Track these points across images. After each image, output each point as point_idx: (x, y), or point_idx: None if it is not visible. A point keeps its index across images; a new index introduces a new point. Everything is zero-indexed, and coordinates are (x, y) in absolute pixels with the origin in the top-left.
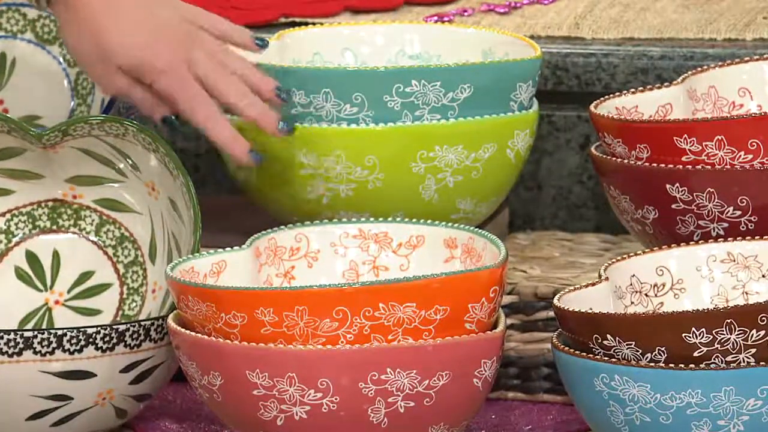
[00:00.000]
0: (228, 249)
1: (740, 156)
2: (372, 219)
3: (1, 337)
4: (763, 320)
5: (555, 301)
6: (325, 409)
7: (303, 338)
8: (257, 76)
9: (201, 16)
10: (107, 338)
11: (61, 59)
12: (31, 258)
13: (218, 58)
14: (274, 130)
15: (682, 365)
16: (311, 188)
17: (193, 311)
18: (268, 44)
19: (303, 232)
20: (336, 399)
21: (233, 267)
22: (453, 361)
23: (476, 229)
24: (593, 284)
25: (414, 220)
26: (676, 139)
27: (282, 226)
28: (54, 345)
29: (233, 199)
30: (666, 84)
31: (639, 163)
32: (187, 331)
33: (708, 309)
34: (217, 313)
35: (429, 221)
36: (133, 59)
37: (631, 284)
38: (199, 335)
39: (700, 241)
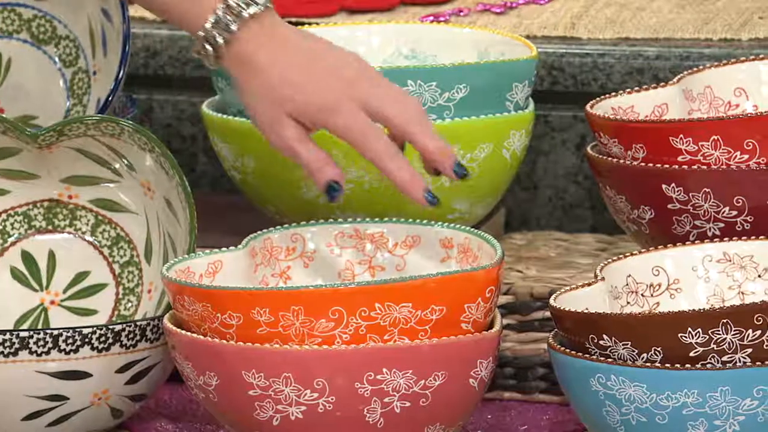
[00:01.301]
0: (224, 249)
1: (736, 156)
2: (368, 219)
3: None
4: (759, 320)
5: (551, 301)
6: (321, 409)
7: (299, 338)
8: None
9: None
10: (103, 338)
11: (57, 59)
12: (27, 258)
13: (391, 95)
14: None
15: (678, 365)
16: (307, 188)
17: (189, 311)
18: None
19: (299, 232)
20: (332, 399)
21: (229, 267)
22: (449, 362)
23: (472, 229)
24: (589, 284)
25: (410, 220)
26: (672, 139)
27: (278, 226)
28: (50, 345)
29: (229, 199)
30: (662, 84)
31: (635, 163)
32: (183, 332)
33: (704, 309)
34: (213, 313)
35: (425, 221)
36: (302, 102)
37: (627, 284)
38: (195, 335)
39: (696, 241)
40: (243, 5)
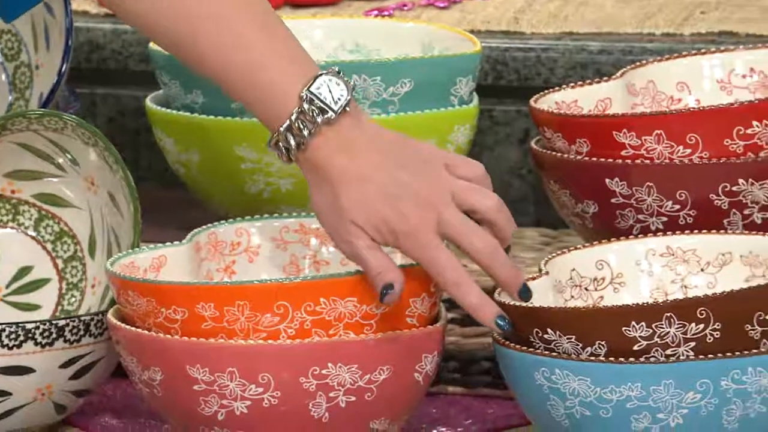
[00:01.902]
0: (168, 244)
1: (679, 150)
2: (313, 214)
3: None
4: (702, 314)
5: (495, 295)
6: (266, 404)
7: (244, 333)
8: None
9: (456, 164)
10: (46, 333)
11: None
12: None
13: (469, 204)
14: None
15: (622, 359)
16: (252, 183)
17: (134, 306)
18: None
19: (243, 227)
20: (277, 394)
21: (173, 262)
22: (394, 356)
23: None
24: (533, 278)
25: None
26: (616, 134)
27: (222, 221)
28: None
29: (173, 194)
30: (605, 78)
31: (579, 157)
32: (128, 327)
33: (647, 303)
34: (158, 308)
35: None
36: (369, 225)
37: (571, 278)
38: (140, 330)
39: (639, 235)
40: (317, 110)
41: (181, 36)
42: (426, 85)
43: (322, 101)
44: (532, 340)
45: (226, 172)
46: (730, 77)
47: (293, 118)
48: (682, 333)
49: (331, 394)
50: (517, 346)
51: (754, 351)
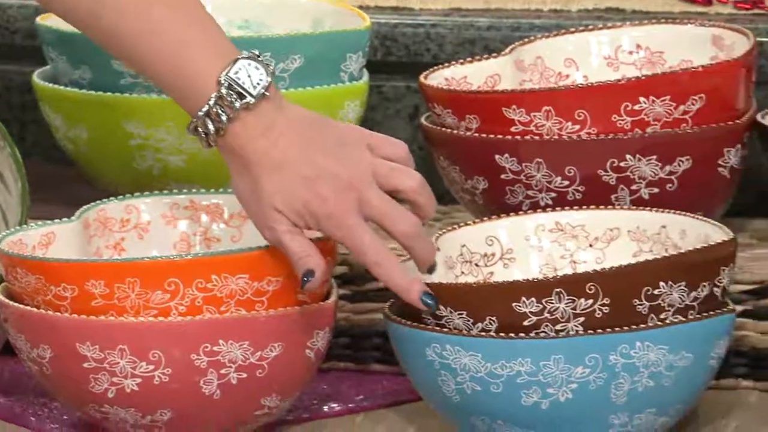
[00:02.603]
0: (57, 221)
1: (567, 126)
2: (203, 190)
3: None
4: (591, 289)
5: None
6: (156, 381)
7: (135, 310)
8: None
9: (378, 145)
10: None
11: None
12: None
13: (389, 209)
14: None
15: (512, 334)
16: (141, 159)
17: (22, 283)
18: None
19: (133, 204)
20: (168, 371)
21: (62, 239)
22: (285, 332)
23: None
24: None
25: None
26: (505, 110)
27: (112, 198)
28: None
29: (62, 170)
30: (494, 55)
31: (468, 133)
32: (16, 304)
33: (537, 278)
34: (47, 285)
35: None
36: (290, 209)
37: (461, 254)
38: (28, 308)
39: (528, 211)
40: (235, 96)
41: (102, 22)
42: (316, 61)
43: (240, 86)
44: (424, 316)
45: (115, 149)
46: (617, 53)
47: (211, 103)
48: (571, 308)
49: (223, 371)
50: (408, 322)
51: (642, 326)
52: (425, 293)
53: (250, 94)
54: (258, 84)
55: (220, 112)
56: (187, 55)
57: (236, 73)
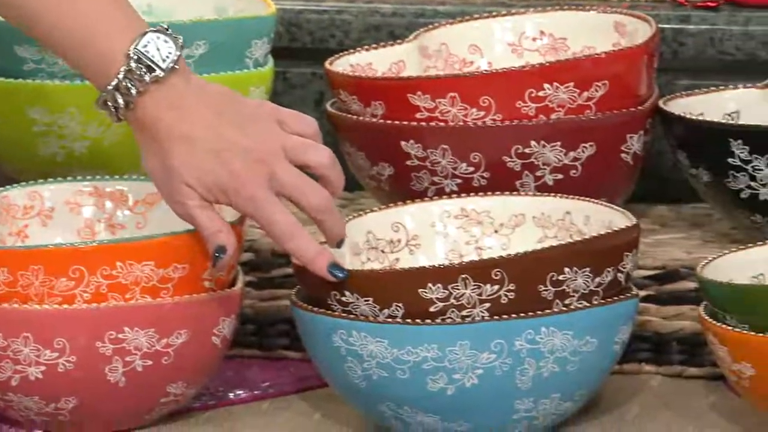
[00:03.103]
0: None
1: (473, 113)
2: (107, 177)
3: None
4: (497, 275)
5: (293, 258)
6: (61, 368)
7: (39, 298)
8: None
9: (287, 121)
10: None
11: None
12: None
13: (300, 159)
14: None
15: (419, 320)
16: (44, 146)
17: None
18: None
19: (36, 190)
20: (72, 359)
21: None
22: (191, 320)
23: None
24: None
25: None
26: (410, 96)
27: (15, 184)
28: None
29: None
30: (399, 41)
31: (374, 120)
32: None
33: (443, 265)
34: None
35: None
36: (199, 183)
37: (367, 240)
38: None
39: (434, 197)
40: (144, 69)
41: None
42: (221, 47)
43: (149, 59)
44: (330, 302)
45: (18, 135)
46: (520, 40)
47: (120, 76)
48: (477, 294)
49: (128, 359)
50: (315, 309)
51: (548, 311)
52: (333, 264)
53: (160, 68)
54: (167, 57)
55: (129, 85)
56: (96, 29)
57: (145, 46)
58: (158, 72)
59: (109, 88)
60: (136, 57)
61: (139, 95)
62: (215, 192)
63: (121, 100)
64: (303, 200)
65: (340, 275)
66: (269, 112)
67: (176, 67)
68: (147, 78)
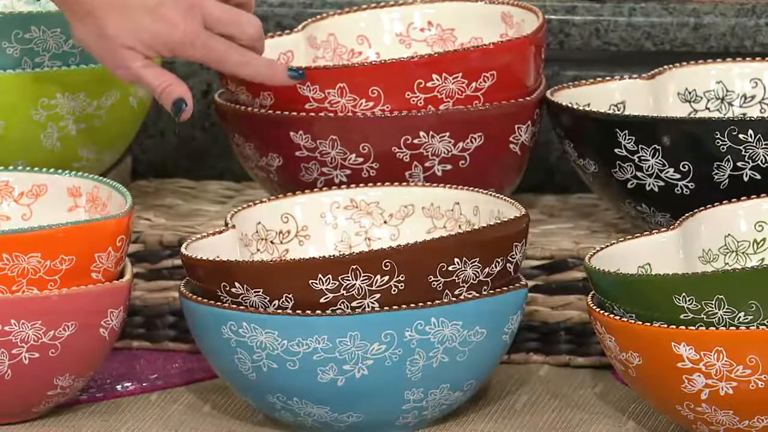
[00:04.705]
0: None
1: (362, 103)
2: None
3: None
4: (387, 266)
5: (182, 249)
6: None
7: None
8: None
9: None
10: None
11: None
12: None
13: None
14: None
15: (309, 311)
16: None
17: None
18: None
19: None
20: None
21: None
22: (79, 312)
23: (100, 178)
24: (220, 232)
25: (36, 168)
26: (299, 87)
27: None
28: None
29: None
30: (286, 31)
31: (263, 110)
32: None
33: (333, 256)
34: None
35: (51, 170)
36: (138, 42)
37: (257, 232)
38: None
39: (323, 188)
40: None
41: None
42: None
43: None
44: (220, 294)
45: None
46: (408, 30)
47: None
48: (367, 285)
49: (14, 351)
50: (204, 300)
51: (437, 302)
52: (289, 68)
53: None
54: None
55: None
56: None
57: None
58: None
59: None
60: None
61: None
62: (157, 47)
63: None
64: (239, 31)
65: (298, 74)
66: None
67: None
68: None
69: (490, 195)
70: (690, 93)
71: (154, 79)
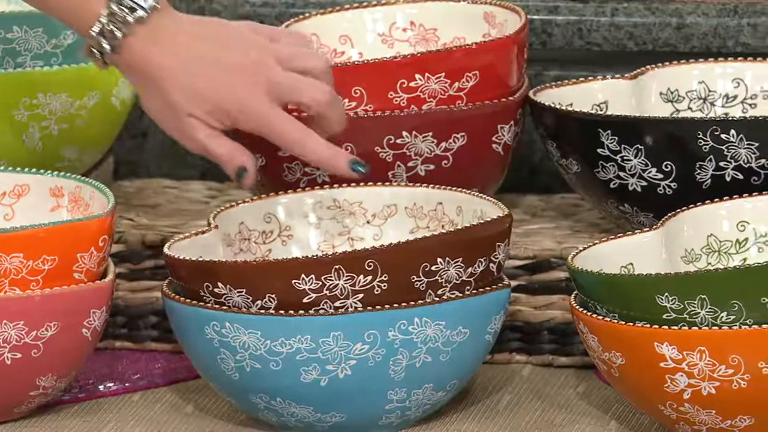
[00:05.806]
0: None
1: (344, 103)
2: None
3: None
4: (370, 266)
5: (165, 249)
6: None
7: None
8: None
9: (277, 35)
10: None
11: None
12: None
13: (295, 67)
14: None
15: (292, 312)
16: None
17: None
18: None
19: None
20: None
21: None
22: (62, 312)
23: (83, 178)
24: (203, 232)
25: (18, 168)
26: None
27: None
28: None
29: None
30: None
31: None
32: None
33: (316, 256)
34: None
35: (34, 170)
36: (202, 110)
37: (239, 231)
38: None
39: (306, 188)
40: (127, 11)
41: None
42: None
43: (131, 0)
44: (203, 294)
45: None
46: (391, 30)
47: (104, 21)
48: (350, 285)
49: None
50: (187, 300)
51: (420, 302)
52: (353, 161)
53: (142, 7)
54: None
55: (113, 29)
56: None
57: None
58: (141, 12)
59: (94, 33)
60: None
61: (124, 38)
62: (220, 117)
63: (106, 45)
64: (304, 97)
65: (363, 170)
66: (256, 28)
67: (158, 5)
68: (131, 19)
69: (473, 195)
70: (672, 93)
71: (221, 149)
